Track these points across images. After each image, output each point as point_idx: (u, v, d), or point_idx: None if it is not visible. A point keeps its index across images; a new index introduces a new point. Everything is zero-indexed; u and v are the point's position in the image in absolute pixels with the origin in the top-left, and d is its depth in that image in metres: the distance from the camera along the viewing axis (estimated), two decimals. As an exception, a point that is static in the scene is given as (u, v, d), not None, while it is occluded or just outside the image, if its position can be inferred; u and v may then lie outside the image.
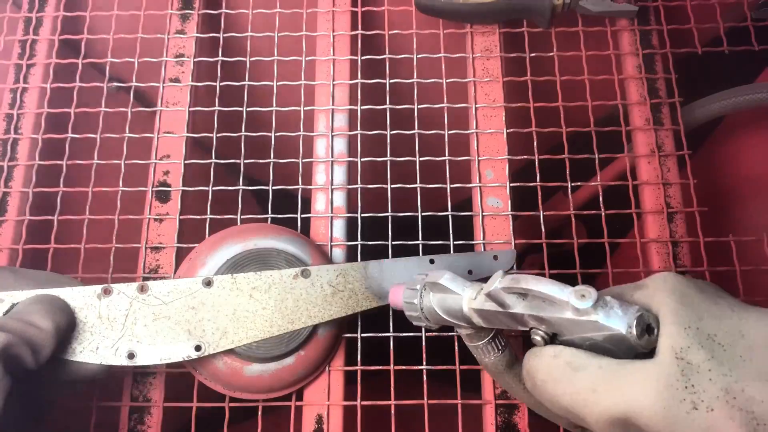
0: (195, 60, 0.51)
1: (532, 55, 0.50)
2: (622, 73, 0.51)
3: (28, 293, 0.35)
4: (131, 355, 0.35)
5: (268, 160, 0.48)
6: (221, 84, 0.50)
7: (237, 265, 0.39)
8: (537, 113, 0.49)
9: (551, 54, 0.50)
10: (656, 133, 0.49)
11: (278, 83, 0.50)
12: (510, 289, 0.28)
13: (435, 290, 0.33)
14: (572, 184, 0.47)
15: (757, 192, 0.67)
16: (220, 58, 0.50)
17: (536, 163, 0.47)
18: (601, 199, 0.47)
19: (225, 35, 0.51)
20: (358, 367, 0.43)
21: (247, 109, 0.49)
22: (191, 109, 0.49)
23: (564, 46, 0.51)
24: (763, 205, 0.66)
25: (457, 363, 0.43)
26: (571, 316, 0.26)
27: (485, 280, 0.31)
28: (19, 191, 0.47)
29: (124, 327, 0.35)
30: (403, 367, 0.43)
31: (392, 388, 0.42)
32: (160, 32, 0.51)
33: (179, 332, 0.36)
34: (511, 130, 0.49)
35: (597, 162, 0.48)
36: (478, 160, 0.48)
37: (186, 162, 0.48)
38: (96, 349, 0.35)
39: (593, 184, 0.49)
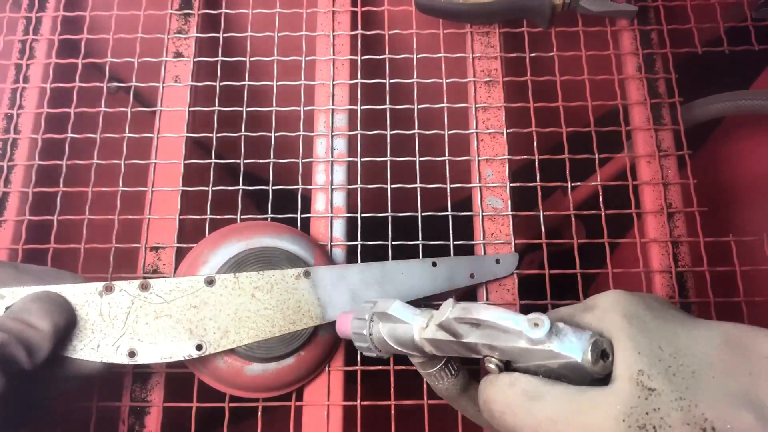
0: (195, 60, 0.51)
1: (532, 55, 0.50)
2: (622, 73, 0.51)
3: (29, 289, 0.34)
4: (132, 354, 0.35)
5: (268, 160, 0.48)
6: (221, 84, 0.50)
7: (239, 263, 0.39)
8: (537, 113, 0.49)
9: (551, 54, 0.50)
10: (656, 133, 0.49)
11: (278, 83, 0.50)
12: (462, 320, 0.28)
13: (384, 320, 0.32)
14: (572, 184, 0.47)
15: (757, 192, 0.67)
16: (220, 58, 0.50)
17: (536, 163, 0.47)
18: (601, 198, 0.47)
19: (225, 35, 0.51)
20: (358, 367, 0.43)
21: (247, 109, 0.49)
22: (191, 109, 0.49)
23: (564, 46, 0.51)
24: (763, 205, 0.66)
25: (457, 363, 0.43)
26: (525, 345, 0.26)
27: (436, 306, 0.31)
28: (19, 191, 0.47)
29: (126, 325, 0.35)
30: (403, 367, 0.43)
31: (392, 388, 0.42)
32: (160, 32, 0.51)
33: (181, 331, 0.36)
34: (511, 130, 0.49)
35: (597, 162, 0.48)
36: (478, 160, 0.48)
37: (186, 162, 0.48)
38: (97, 347, 0.35)
39: (593, 183, 0.49)
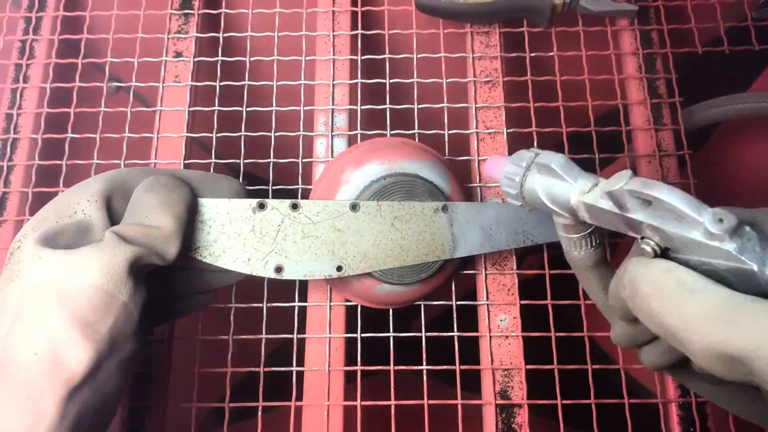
0: (195, 60, 0.51)
1: (532, 54, 0.50)
2: (623, 73, 0.51)
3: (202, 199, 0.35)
4: (279, 269, 0.36)
5: (268, 160, 0.48)
6: (221, 84, 0.50)
7: (381, 191, 0.39)
8: (537, 113, 0.49)
9: (551, 54, 0.50)
10: (656, 133, 0.49)
11: (278, 83, 0.50)
12: (636, 193, 0.25)
13: (543, 172, 0.30)
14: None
15: (757, 192, 0.67)
16: (219, 57, 0.50)
17: (536, 163, 0.47)
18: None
19: (225, 35, 0.51)
20: (358, 368, 0.42)
21: (247, 109, 0.49)
22: (191, 109, 0.49)
23: (564, 46, 0.51)
24: (763, 205, 0.65)
25: (457, 363, 0.43)
26: (700, 238, 0.24)
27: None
28: (19, 191, 0.47)
29: (275, 242, 0.36)
30: (403, 367, 0.43)
31: (392, 388, 0.42)
32: (160, 32, 0.51)
33: (324, 252, 0.37)
34: (511, 130, 0.49)
35: (597, 162, 0.48)
36: (478, 160, 0.48)
37: (186, 162, 0.48)
38: (248, 260, 0.36)
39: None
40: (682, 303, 0.24)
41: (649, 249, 0.26)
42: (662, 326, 0.25)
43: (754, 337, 0.21)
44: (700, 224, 0.24)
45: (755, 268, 0.23)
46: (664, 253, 0.26)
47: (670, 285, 0.24)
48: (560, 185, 0.29)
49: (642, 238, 0.27)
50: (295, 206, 0.37)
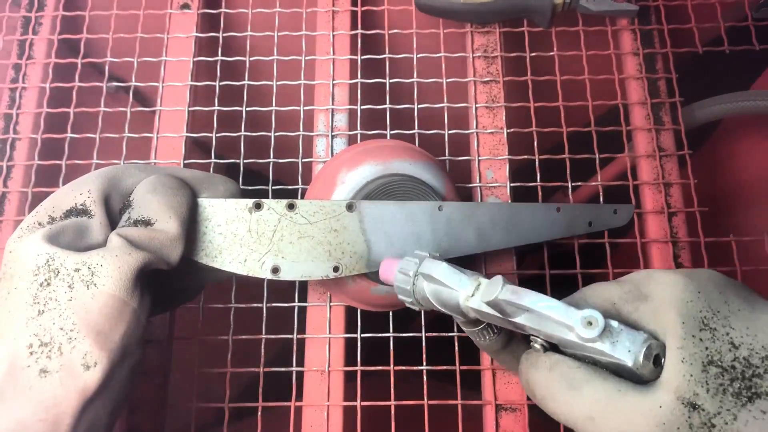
0: (195, 60, 0.51)
1: (533, 54, 0.50)
2: (623, 73, 0.51)
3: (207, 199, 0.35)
4: (275, 270, 0.36)
5: (268, 160, 0.48)
6: (221, 84, 0.50)
7: (376, 191, 0.39)
8: (537, 113, 0.49)
9: (551, 54, 0.50)
10: (657, 133, 0.49)
11: (278, 83, 0.50)
12: (511, 303, 0.27)
13: (429, 281, 0.32)
14: (572, 183, 0.47)
15: (757, 192, 0.67)
16: (219, 57, 0.50)
17: (536, 162, 0.47)
18: (601, 198, 0.47)
19: (224, 35, 0.51)
20: (358, 368, 0.42)
21: (247, 109, 0.49)
22: (190, 108, 0.49)
23: (564, 46, 0.50)
24: (763, 205, 0.66)
25: (457, 363, 0.43)
26: (575, 340, 0.26)
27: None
28: (18, 191, 0.47)
29: (272, 242, 0.36)
30: (403, 368, 0.43)
31: (392, 388, 0.42)
32: (160, 32, 0.51)
33: (321, 252, 0.37)
34: (511, 130, 0.49)
35: (597, 162, 0.48)
36: (478, 160, 0.48)
37: (185, 162, 0.48)
38: (244, 261, 0.35)
39: (594, 183, 0.49)
40: (567, 403, 0.26)
41: (538, 346, 0.28)
42: (559, 421, 0.27)
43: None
44: (573, 328, 0.25)
45: (629, 363, 0.25)
46: (553, 346, 0.28)
47: (555, 384, 0.26)
48: (447, 292, 0.31)
49: (530, 335, 0.28)
50: (291, 206, 0.36)
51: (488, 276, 0.30)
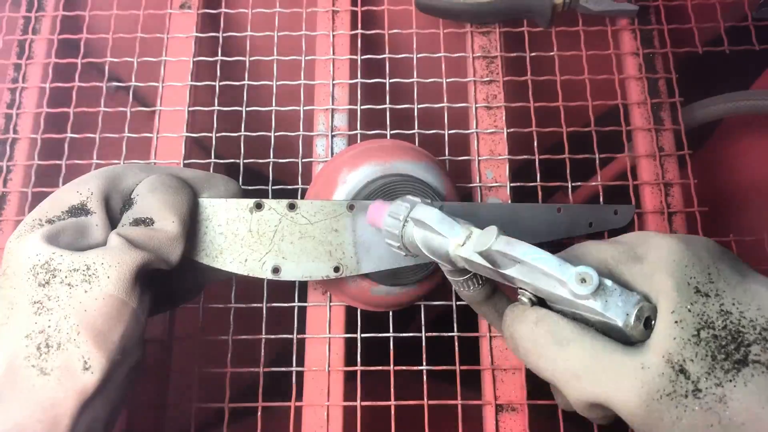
0: (194, 60, 0.50)
1: (532, 54, 0.50)
2: (623, 73, 0.51)
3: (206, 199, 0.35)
4: (276, 270, 0.36)
5: (268, 160, 0.48)
6: (221, 84, 0.50)
7: (377, 190, 0.39)
8: (537, 113, 0.49)
9: (551, 54, 0.50)
10: (657, 133, 0.49)
11: (278, 83, 0.50)
12: (504, 254, 0.27)
13: (420, 226, 0.31)
14: (572, 183, 0.47)
15: (757, 192, 0.67)
16: (219, 57, 0.50)
17: (536, 162, 0.47)
18: (601, 198, 0.47)
19: (224, 35, 0.51)
20: (358, 368, 0.42)
21: (247, 109, 0.49)
22: (190, 108, 0.49)
23: (564, 46, 0.50)
24: (763, 205, 0.66)
25: (457, 363, 0.43)
26: (567, 296, 0.25)
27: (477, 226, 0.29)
28: (18, 191, 0.47)
29: (272, 242, 0.36)
30: (403, 368, 0.43)
31: (392, 388, 0.42)
32: (160, 32, 0.51)
33: (322, 252, 0.37)
34: (511, 129, 0.49)
35: (597, 162, 0.48)
36: (478, 160, 0.48)
37: (185, 162, 0.48)
38: (245, 261, 0.35)
39: (594, 183, 0.49)
40: (552, 358, 0.26)
41: (525, 299, 0.28)
42: (542, 376, 0.27)
43: (619, 394, 0.23)
44: (566, 283, 0.25)
45: (619, 323, 0.24)
46: (541, 301, 0.28)
47: (540, 339, 0.26)
48: (437, 239, 0.30)
49: (519, 288, 0.28)
50: (292, 206, 0.36)
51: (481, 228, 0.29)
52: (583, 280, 0.25)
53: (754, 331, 0.23)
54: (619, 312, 0.24)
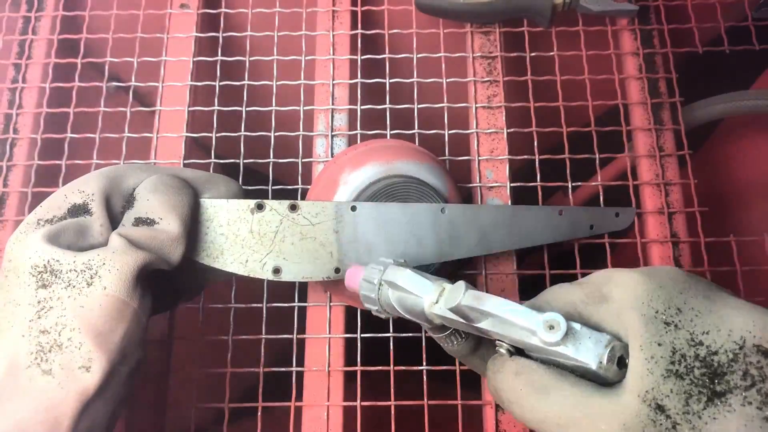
0: (194, 60, 0.50)
1: (533, 54, 0.50)
2: (623, 73, 0.51)
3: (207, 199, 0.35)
4: (277, 271, 0.36)
5: (268, 160, 0.48)
6: (221, 84, 0.50)
7: (378, 193, 0.39)
8: (537, 113, 0.49)
9: (551, 53, 0.50)
10: (657, 133, 0.49)
11: (278, 83, 0.50)
12: (473, 309, 0.27)
13: (393, 288, 0.32)
14: (573, 183, 0.47)
15: (757, 192, 0.67)
16: (219, 57, 0.50)
17: (536, 162, 0.47)
18: (602, 198, 0.47)
19: (224, 34, 0.51)
20: (358, 368, 0.42)
21: (247, 109, 0.49)
22: (190, 108, 0.49)
23: (564, 46, 0.50)
24: (763, 205, 0.66)
25: (457, 363, 0.43)
26: (538, 344, 0.26)
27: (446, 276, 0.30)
28: (18, 191, 0.47)
29: (273, 243, 0.36)
30: (403, 368, 0.43)
31: (392, 389, 0.42)
32: (159, 32, 0.51)
33: (323, 253, 0.37)
34: (512, 130, 0.49)
35: (597, 162, 0.48)
36: (478, 160, 0.48)
37: (185, 162, 0.48)
38: (245, 261, 0.36)
39: (594, 183, 0.49)
40: (535, 408, 0.26)
41: (503, 350, 0.28)
42: (530, 427, 0.27)
43: None
44: (535, 332, 0.25)
45: (592, 366, 0.24)
46: (519, 350, 0.28)
47: (521, 390, 0.26)
48: (412, 299, 0.30)
49: (496, 340, 0.28)
50: (293, 207, 0.36)
51: (452, 281, 0.29)
52: (551, 327, 0.25)
53: (726, 358, 0.23)
54: (590, 355, 0.24)
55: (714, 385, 0.23)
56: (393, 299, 0.32)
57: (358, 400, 0.42)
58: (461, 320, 0.28)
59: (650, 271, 0.26)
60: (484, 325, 0.27)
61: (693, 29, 0.51)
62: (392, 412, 0.41)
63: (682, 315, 0.24)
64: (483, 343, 0.33)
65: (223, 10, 0.52)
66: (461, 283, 0.28)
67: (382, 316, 0.34)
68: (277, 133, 0.48)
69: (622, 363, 0.24)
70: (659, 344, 0.24)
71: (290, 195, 0.45)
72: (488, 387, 0.29)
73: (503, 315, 0.26)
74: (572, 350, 0.25)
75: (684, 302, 0.25)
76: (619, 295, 0.26)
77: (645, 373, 0.23)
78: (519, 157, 0.48)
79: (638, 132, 0.50)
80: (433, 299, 0.29)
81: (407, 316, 0.32)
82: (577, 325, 0.25)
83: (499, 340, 0.28)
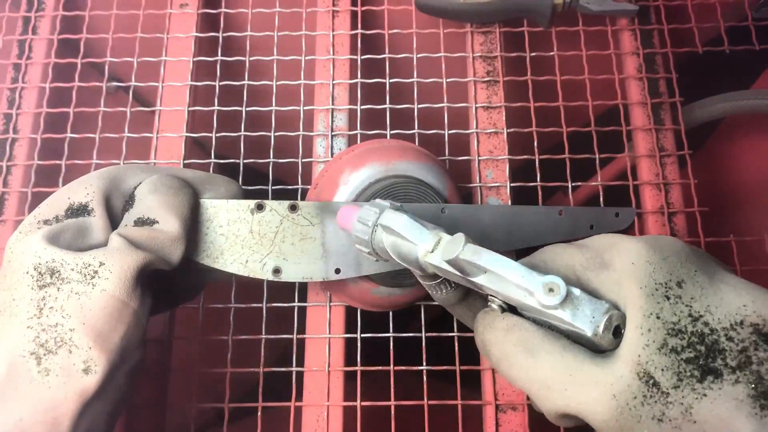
0: (194, 60, 0.50)
1: (533, 54, 0.50)
2: (623, 73, 0.51)
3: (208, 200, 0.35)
4: (277, 271, 0.36)
5: (268, 160, 0.48)
6: (221, 84, 0.50)
7: (379, 192, 0.39)
8: (537, 113, 0.49)
9: (551, 53, 0.50)
10: (657, 133, 0.49)
11: (278, 83, 0.50)
12: (471, 263, 0.26)
13: (388, 232, 0.31)
14: (572, 183, 0.47)
15: (757, 192, 0.67)
16: (219, 57, 0.50)
17: (536, 162, 0.47)
18: (602, 198, 0.47)
19: (224, 34, 0.51)
20: (358, 368, 0.42)
21: (247, 109, 0.49)
22: (190, 108, 0.49)
23: (564, 46, 0.50)
24: (763, 205, 0.65)
25: (457, 363, 0.43)
26: (536, 305, 0.25)
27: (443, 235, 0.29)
28: (18, 191, 0.47)
29: (273, 243, 0.36)
30: (403, 368, 0.43)
31: (392, 389, 0.42)
32: (159, 32, 0.51)
33: (323, 253, 0.37)
34: (511, 129, 0.49)
35: (597, 162, 0.48)
36: (478, 160, 0.48)
37: (185, 162, 0.48)
38: (245, 262, 0.36)
39: (594, 183, 0.49)
40: (524, 368, 0.25)
41: (495, 306, 0.28)
42: (514, 385, 0.26)
43: (589, 405, 0.23)
44: (533, 293, 0.25)
45: (588, 333, 0.24)
46: (512, 307, 0.27)
47: (511, 348, 0.26)
48: (406, 245, 0.30)
49: (489, 295, 0.28)
50: (293, 207, 0.36)
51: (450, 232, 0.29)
52: (551, 290, 0.24)
53: (724, 336, 0.23)
54: (587, 322, 0.24)
55: (708, 363, 0.22)
56: (387, 244, 0.31)
57: (358, 400, 0.42)
58: (457, 273, 0.28)
59: (654, 241, 0.26)
60: (479, 280, 0.27)
61: (693, 29, 0.51)
62: (392, 412, 0.41)
63: (683, 290, 0.24)
64: (471, 293, 0.32)
65: (223, 10, 0.52)
66: (460, 235, 0.27)
67: (373, 258, 0.33)
68: (277, 133, 0.48)
69: (617, 332, 0.24)
70: (657, 317, 0.23)
71: (290, 195, 0.45)
72: (476, 340, 0.29)
73: (502, 273, 0.26)
74: (569, 315, 0.24)
75: (686, 277, 0.24)
76: (621, 264, 0.25)
77: (641, 345, 0.23)
78: (519, 157, 0.48)
79: (638, 132, 0.50)
80: (429, 248, 0.29)
81: (399, 262, 0.31)
82: (576, 290, 0.25)
83: (493, 296, 0.28)
